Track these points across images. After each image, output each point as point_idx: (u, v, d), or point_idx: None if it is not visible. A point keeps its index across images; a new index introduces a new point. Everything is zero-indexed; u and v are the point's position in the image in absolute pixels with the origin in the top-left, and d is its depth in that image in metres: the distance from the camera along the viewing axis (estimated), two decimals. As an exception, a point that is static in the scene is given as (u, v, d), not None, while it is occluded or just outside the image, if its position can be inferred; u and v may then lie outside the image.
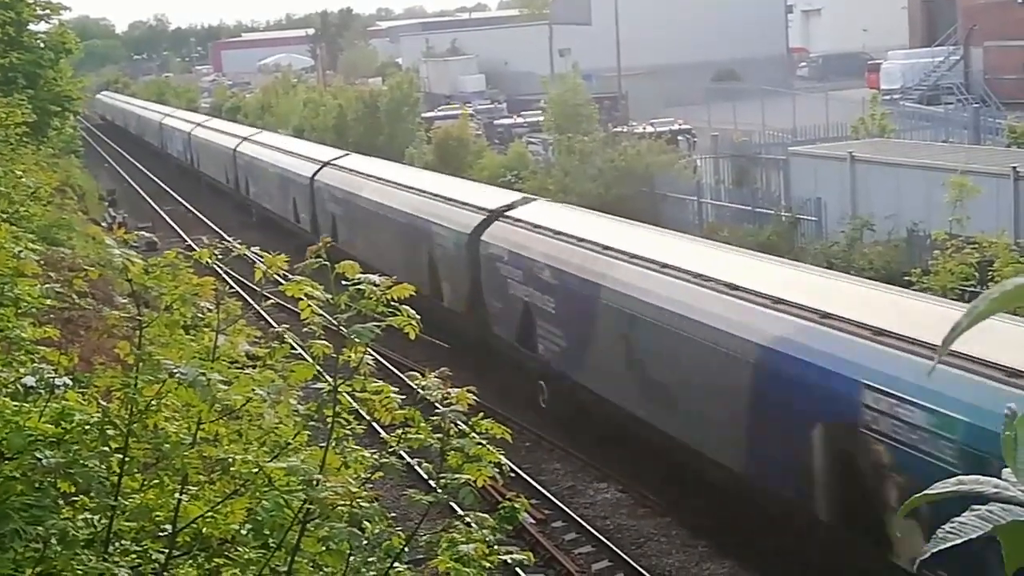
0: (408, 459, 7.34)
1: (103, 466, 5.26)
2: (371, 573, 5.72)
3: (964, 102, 49.35)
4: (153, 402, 5.38)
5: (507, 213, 22.46)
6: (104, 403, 5.57)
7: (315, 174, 34.47)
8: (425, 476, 6.18)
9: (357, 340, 5.44)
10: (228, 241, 6.35)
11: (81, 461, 5.16)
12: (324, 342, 5.59)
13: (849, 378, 12.40)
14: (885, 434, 11.72)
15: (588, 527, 16.00)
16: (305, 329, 5.64)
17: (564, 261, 19.18)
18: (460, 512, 6.26)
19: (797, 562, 13.81)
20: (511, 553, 6.10)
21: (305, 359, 5.79)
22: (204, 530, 5.53)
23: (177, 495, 5.44)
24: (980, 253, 19.60)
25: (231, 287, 25.97)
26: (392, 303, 5.56)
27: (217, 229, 40.73)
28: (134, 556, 5.36)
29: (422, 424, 5.74)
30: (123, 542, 5.42)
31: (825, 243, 25.16)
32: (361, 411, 6.13)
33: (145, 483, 5.54)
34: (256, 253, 6.07)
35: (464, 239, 22.95)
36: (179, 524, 5.42)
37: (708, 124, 48.69)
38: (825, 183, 27.73)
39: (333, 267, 5.60)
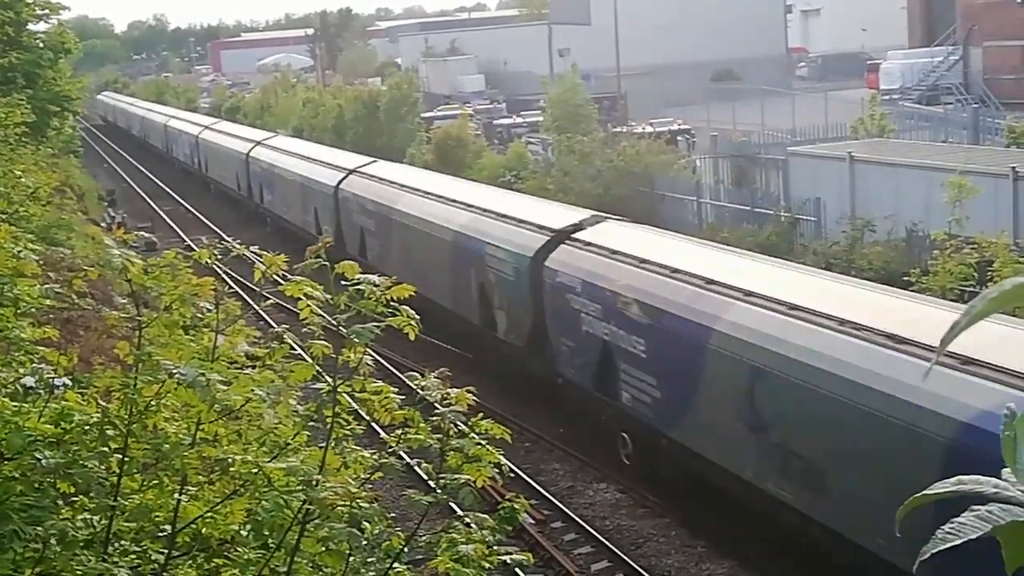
0: (408, 459, 7.34)
1: (102, 466, 5.25)
2: (371, 573, 5.72)
3: (963, 102, 49.38)
4: (152, 402, 5.38)
5: (575, 235, 19.66)
6: (103, 403, 5.57)
7: (340, 183, 31.81)
8: (425, 476, 6.18)
9: (357, 340, 5.44)
10: (227, 241, 6.35)
11: (80, 461, 5.16)
12: (324, 342, 5.59)
13: None
14: None
15: (587, 527, 16.01)
16: (304, 329, 5.64)
17: (658, 296, 16.21)
18: (460, 512, 6.26)
19: (797, 562, 13.82)
20: (510, 553, 6.10)
21: (304, 359, 5.78)
22: (204, 530, 5.53)
23: (176, 495, 5.43)
24: (979, 253, 19.61)
25: (230, 287, 26.01)
26: (392, 303, 5.56)
27: (217, 229, 40.73)
28: (133, 556, 5.35)
29: (422, 424, 5.74)
30: (122, 542, 5.42)
31: (824, 243, 25.17)
32: (361, 411, 6.13)
33: (144, 483, 5.54)
34: (255, 253, 6.07)
35: (525, 263, 20.17)
36: (179, 524, 5.41)
37: (707, 124, 48.72)
38: (824, 183, 27.75)
39: (333, 267, 5.60)
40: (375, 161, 33.37)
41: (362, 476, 5.74)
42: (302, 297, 5.55)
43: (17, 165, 19.31)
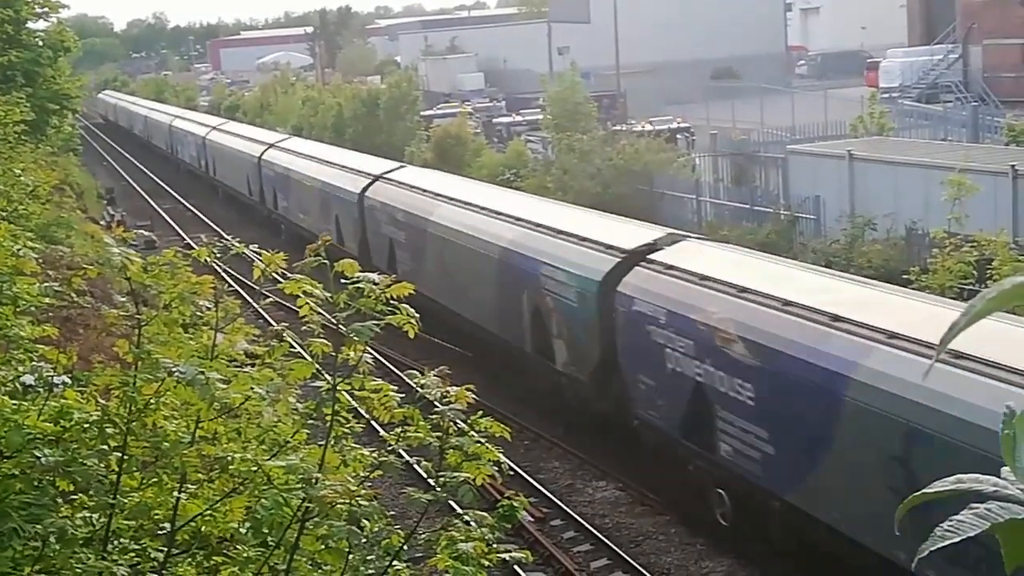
0: (407, 457, 7.35)
1: (102, 464, 5.26)
2: (370, 571, 5.72)
3: (963, 100, 49.36)
4: (152, 400, 5.38)
5: (651, 256, 17.21)
6: (103, 401, 5.57)
7: (365, 189, 29.24)
8: (424, 474, 6.18)
9: (356, 338, 5.44)
10: (226, 240, 6.35)
11: (80, 459, 5.16)
12: (323, 340, 5.59)
13: None
14: None
15: (587, 525, 16.01)
16: (304, 327, 5.64)
17: (770, 334, 13.62)
18: (459, 510, 6.26)
19: (797, 561, 13.83)
20: (510, 551, 6.11)
21: (304, 357, 5.78)
22: (203, 528, 5.53)
23: (176, 493, 5.44)
24: (979, 251, 19.63)
25: (230, 285, 26.02)
26: (391, 301, 5.56)
27: (217, 228, 40.74)
28: (133, 554, 5.36)
29: (421, 422, 5.74)
30: (122, 540, 5.42)
31: (823, 241, 25.17)
32: (360, 409, 6.13)
33: (144, 481, 5.55)
34: (254, 251, 6.08)
35: (591, 288, 17.82)
36: (178, 522, 5.42)
37: (707, 122, 48.68)
38: (824, 181, 27.75)
39: (332, 265, 5.60)
40: (403, 166, 31.37)
41: (361, 474, 5.75)
42: (301, 295, 5.55)
43: (16, 163, 19.31)
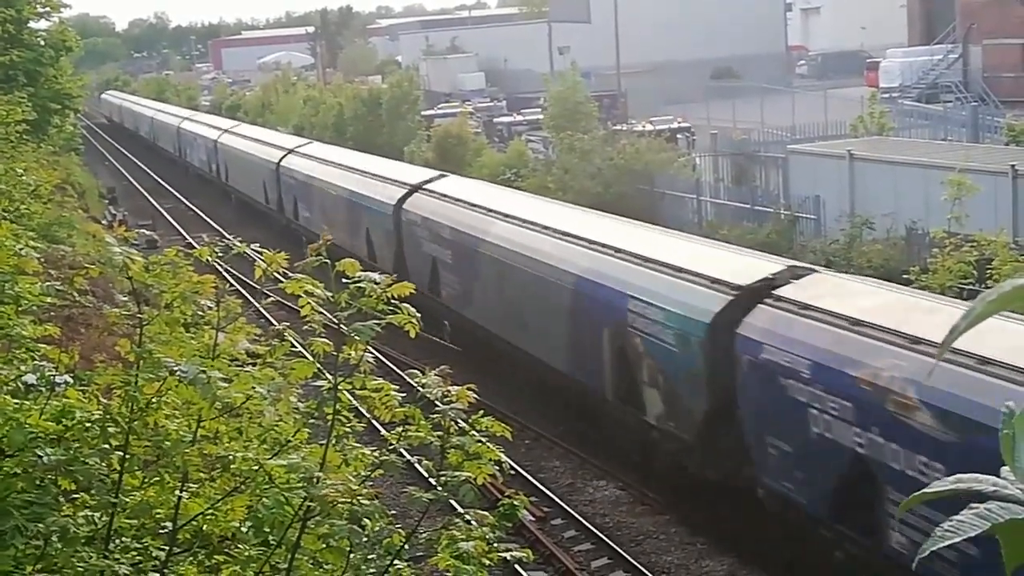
0: (408, 457, 7.36)
1: (104, 463, 5.27)
2: (371, 570, 5.73)
3: (963, 100, 49.36)
4: (153, 400, 5.39)
5: (777, 292, 14.35)
6: (105, 400, 5.59)
7: (402, 202, 26.58)
8: (425, 474, 6.18)
9: (357, 338, 5.45)
10: (228, 239, 6.36)
11: (82, 458, 5.17)
12: (324, 340, 5.60)
13: None
14: None
15: (587, 524, 16.01)
16: (305, 327, 5.65)
17: (973, 403, 10.62)
18: (460, 510, 6.27)
19: (794, 560, 13.82)
20: (511, 550, 6.12)
21: (305, 357, 5.79)
22: (204, 527, 5.54)
23: (177, 492, 5.45)
24: (979, 251, 19.63)
25: (231, 285, 26.03)
26: (392, 300, 5.57)
27: (218, 227, 40.72)
28: (135, 553, 5.37)
29: (422, 422, 5.75)
30: (123, 539, 5.43)
31: (824, 241, 25.18)
32: (361, 409, 6.13)
33: (146, 480, 5.56)
34: (256, 251, 6.09)
35: (699, 330, 15.02)
36: (179, 521, 5.43)
37: (707, 122, 48.67)
38: (824, 181, 27.76)
39: (333, 265, 5.61)
40: (444, 176, 28.19)
41: (363, 473, 5.75)
42: (303, 295, 5.56)
43: (18, 163, 19.32)
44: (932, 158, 26.51)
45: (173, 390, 5.44)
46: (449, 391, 5.71)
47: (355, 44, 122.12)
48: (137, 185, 58.53)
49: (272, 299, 8.68)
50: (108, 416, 5.36)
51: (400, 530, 6.06)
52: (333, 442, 5.69)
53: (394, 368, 19.62)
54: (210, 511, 5.51)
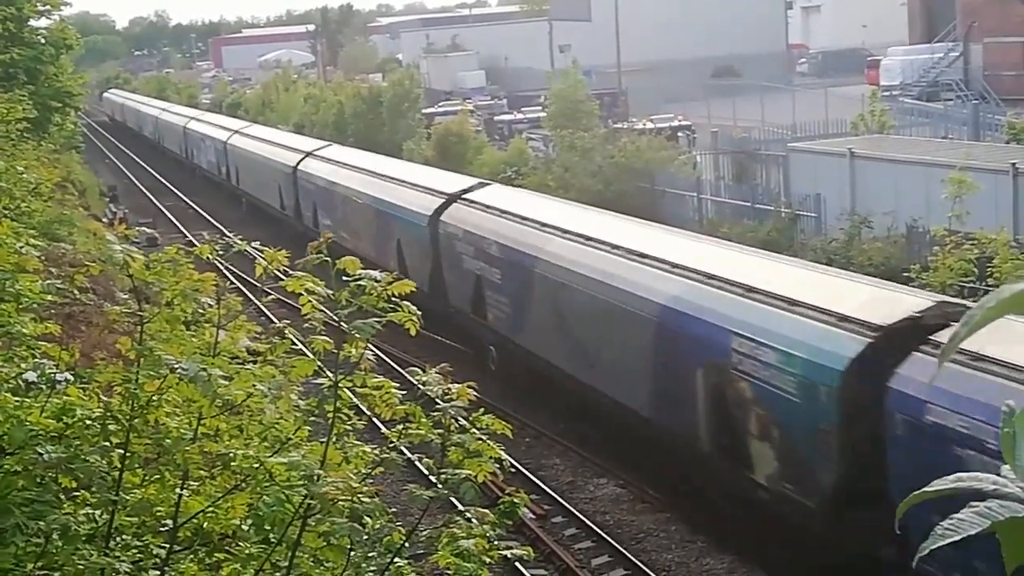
0: (409, 455, 7.36)
1: (104, 461, 5.27)
2: (372, 568, 5.73)
3: (963, 98, 49.33)
4: (154, 397, 5.39)
5: (934, 338, 11.74)
6: (105, 398, 5.59)
7: (439, 213, 24.28)
8: (426, 472, 6.18)
9: (358, 336, 5.45)
10: (229, 237, 6.36)
11: (82, 456, 5.17)
12: (325, 338, 5.60)
13: None
14: None
15: (588, 522, 16.01)
16: (306, 325, 5.65)
17: None
18: (460, 507, 6.27)
19: (794, 558, 13.81)
20: (511, 548, 6.11)
21: (306, 355, 5.80)
22: (205, 525, 5.54)
23: (178, 490, 5.45)
24: (979, 249, 19.63)
25: (232, 283, 26.02)
26: (392, 299, 5.57)
27: (218, 225, 40.69)
28: (135, 551, 5.37)
29: (423, 420, 5.75)
30: (124, 537, 5.43)
31: (824, 239, 25.17)
32: (362, 407, 6.13)
33: (146, 478, 5.56)
34: (256, 249, 6.09)
35: (830, 378, 12.58)
36: (180, 519, 5.43)
37: (708, 120, 48.67)
38: (824, 179, 27.76)
39: (334, 263, 5.61)
40: (485, 184, 25.90)
41: (363, 471, 5.75)
42: (303, 293, 5.56)
43: (19, 161, 19.30)
44: (933, 156, 26.51)
45: (174, 388, 5.45)
46: (449, 389, 5.71)
47: (356, 42, 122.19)
48: (137, 183, 58.51)
49: (273, 297, 8.68)
50: (109, 414, 5.36)
51: (401, 528, 6.07)
52: (334, 440, 5.69)
53: (394, 366, 19.62)
54: (211, 509, 5.52)
